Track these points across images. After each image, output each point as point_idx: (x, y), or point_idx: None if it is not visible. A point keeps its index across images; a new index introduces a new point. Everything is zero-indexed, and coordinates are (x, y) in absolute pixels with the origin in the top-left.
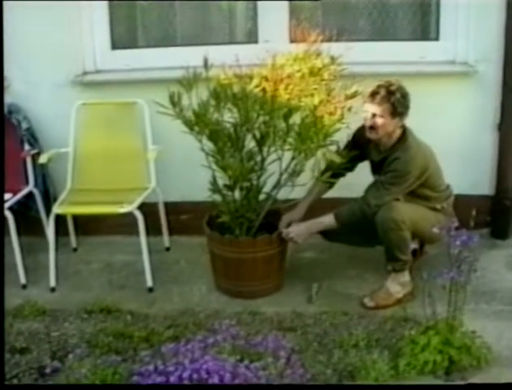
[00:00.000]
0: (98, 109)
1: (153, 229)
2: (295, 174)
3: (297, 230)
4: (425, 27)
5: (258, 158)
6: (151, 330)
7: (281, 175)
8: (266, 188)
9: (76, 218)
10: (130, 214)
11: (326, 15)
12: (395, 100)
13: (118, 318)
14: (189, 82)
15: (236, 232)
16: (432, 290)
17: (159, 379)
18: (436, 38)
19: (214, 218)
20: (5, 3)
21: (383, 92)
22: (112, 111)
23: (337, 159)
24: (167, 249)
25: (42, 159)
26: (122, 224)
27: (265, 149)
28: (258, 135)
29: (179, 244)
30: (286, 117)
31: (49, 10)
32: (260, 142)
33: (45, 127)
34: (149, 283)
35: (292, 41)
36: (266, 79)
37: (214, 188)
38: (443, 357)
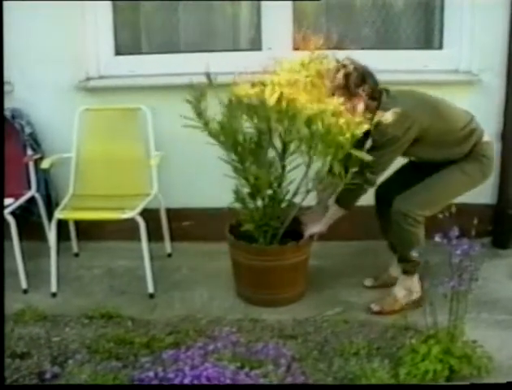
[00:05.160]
0: (101, 114)
1: (154, 235)
2: (319, 179)
3: (318, 231)
4: (429, 35)
5: (279, 166)
6: (152, 336)
7: (306, 181)
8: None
9: (78, 224)
10: (132, 220)
11: (330, 22)
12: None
13: (119, 324)
14: (201, 94)
15: (260, 241)
16: (433, 299)
17: None
18: (440, 47)
19: (235, 226)
20: (5, 4)
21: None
22: (115, 117)
23: (368, 157)
24: (169, 255)
25: (45, 164)
26: (124, 230)
27: (287, 156)
28: (279, 142)
29: (180, 251)
30: (309, 122)
31: (53, 15)
32: (282, 149)
33: (48, 132)
34: (151, 289)
35: (295, 48)
36: (277, 85)
37: (238, 197)
38: (443, 367)
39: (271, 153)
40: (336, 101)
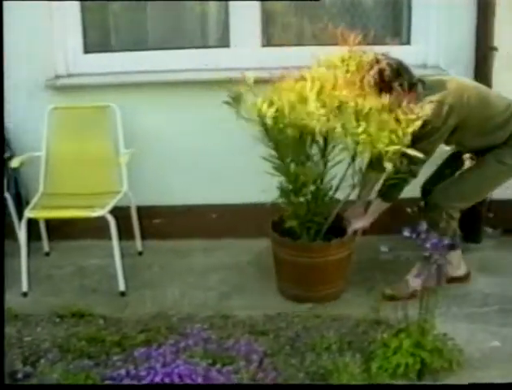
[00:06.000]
0: (71, 113)
1: (125, 233)
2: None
3: (362, 226)
4: (397, 31)
5: (321, 162)
6: (123, 334)
7: (353, 175)
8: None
9: (48, 223)
10: (102, 218)
11: (299, 19)
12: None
13: (90, 323)
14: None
15: (304, 237)
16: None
17: None
18: (408, 42)
19: (278, 223)
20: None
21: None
22: (84, 115)
23: (420, 155)
24: (140, 253)
25: (14, 163)
26: (94, 228)
27: (329, 152)
28: (321, 139)
29: (151, 249)
30: (357, 117)
31: (21, 14)
32: (324, 145)
33: (18, 131)
34: (122, 287)
35: (263, 45)
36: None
37: (283, 193)
38: (415, 360)
39: (314, 150)
40: (386, 98)
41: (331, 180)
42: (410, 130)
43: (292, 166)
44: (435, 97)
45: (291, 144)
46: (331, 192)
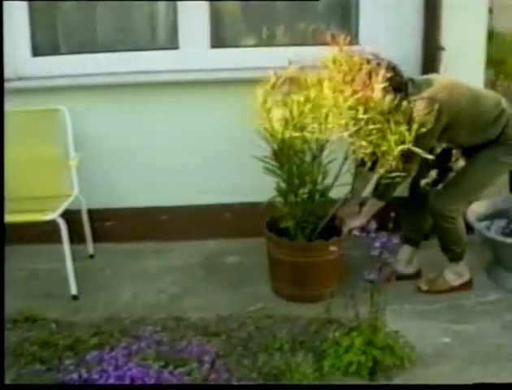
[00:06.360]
0: (20, 117)
1: (77, 237)
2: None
3: (359, 225)
4: (345, 31)
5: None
6: (76, 338)
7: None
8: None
9: None
10: (54, 222)
11: (247, 20)
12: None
13: (43, 327)
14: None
15: (299, 237)
16: (355, 292)
17: None
18: (356, 42)
19: (271, 223)
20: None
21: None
22: (34, 119)
23: (428, 156)
24: (92, 256)
25: None
26: (46, 232)
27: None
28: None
29: (103, 251)
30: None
31: None
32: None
33: None
34: (74, 290)
35: (213, 46)
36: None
37: (279, 193)
38: (367, 358)
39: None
40: (387, 98)
41: (324, 180)
42: (415, 129)
43: (290, 167)
44: (425, 95)
45: (292, 146)
46: (326, 192)
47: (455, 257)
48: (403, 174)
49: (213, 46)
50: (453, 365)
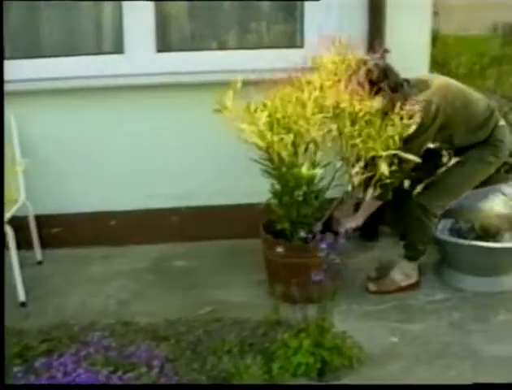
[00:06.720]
0: None
1: (25, 243)
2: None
3: (354, 226)
4: (290, 34)
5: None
6: (25, 345)
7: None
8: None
9: None
10: None
11: (193, 23)
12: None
13: None
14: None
15: (295, 238)
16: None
17: None
18: (301, 45)
19: (267, 225)
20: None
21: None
22: None
23: (417, 160)
24: (39, 262)
25: None
26: None
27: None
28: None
29: (51, 258)
30: (353, 121)
31: None
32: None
33: None
34: (22, 297)
35: (159, 50)
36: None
37: (275, 196)
38: (315, 359)
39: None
40: (379, 100)
41: (320, 182)
42: (406, 134)
43: (284, 169)
44: (421, 97)
45: (283, 147)
46: (322, 194)
47: (413, 256)
48: (399, 174)
49: (159, 50)
50: (401, 364)
